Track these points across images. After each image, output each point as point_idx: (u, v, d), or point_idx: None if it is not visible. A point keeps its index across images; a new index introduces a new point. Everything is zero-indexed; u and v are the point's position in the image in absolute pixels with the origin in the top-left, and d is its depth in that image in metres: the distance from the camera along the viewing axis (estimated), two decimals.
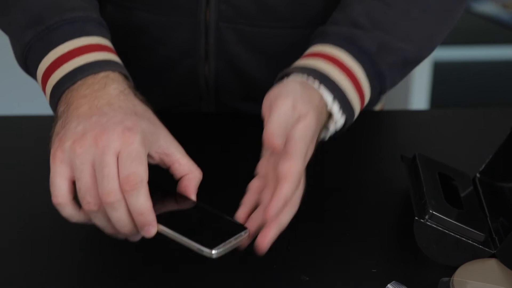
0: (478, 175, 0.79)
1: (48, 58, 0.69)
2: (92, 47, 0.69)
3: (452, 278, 0.66)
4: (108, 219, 0.61)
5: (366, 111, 1.07)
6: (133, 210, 0.60)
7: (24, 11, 0.72)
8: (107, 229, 0.62)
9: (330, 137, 0.76)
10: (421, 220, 0.69)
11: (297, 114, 0.66)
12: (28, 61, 0.71)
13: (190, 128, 0.94)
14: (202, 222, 0.64)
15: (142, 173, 0.59)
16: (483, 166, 0.79)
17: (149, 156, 0.63)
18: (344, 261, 0.72)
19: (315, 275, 0.69)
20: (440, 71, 2.46)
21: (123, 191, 0.59)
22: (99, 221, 0.62)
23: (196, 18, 0.88)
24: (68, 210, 0.62)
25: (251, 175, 0.69)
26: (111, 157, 0.59)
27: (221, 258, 0.71)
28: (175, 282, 0.67)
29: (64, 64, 0.68)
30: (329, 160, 0.90)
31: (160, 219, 0.62)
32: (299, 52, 0.77)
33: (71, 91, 0.66)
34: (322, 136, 0.73)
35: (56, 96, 0.67)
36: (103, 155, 0.59)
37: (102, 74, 0.67)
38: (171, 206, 0.65)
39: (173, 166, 0.65)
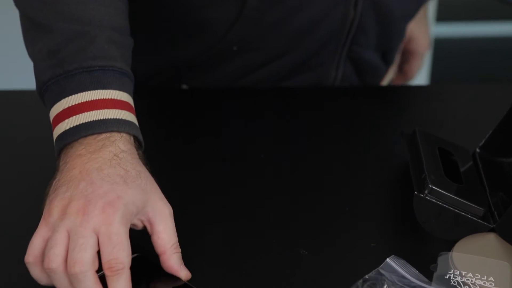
0: (478, 150, 0.79)
1: (60, 104, 0.68)
2: (104, 102, 0.68)
3: (451, 252, 0.66)
4: (69, 286, 0.61)
5: (366, 86, 1.07)
6: None
7: (49, 49, 0.70)
8: None
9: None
10: (421, 195, 0.70)
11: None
12: (44, 98, 0.71)
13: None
14: None
15: (124, 259, 0.60)
16: (483, 141, 0.79)
17: (133, 224, 0.64)
18: (344, 235, 0.72)
19: (314, 250, 0.69)
20: (440, 47, 2.45)
21: (105, 274, 0.60)
22: (60, 285, 0.61)
23: None
24: (36, 271, 0.62)
25: None
26: (88, 231, 0.60)
27: (219, 232, 0.72)
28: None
29: (72, 116, 0.67)
30: (330, 136, 0.90)
31: None
32: None
33: (71, 147, 0.66)
34: None
35: (58, 146, 0.67)
36: (80, 227, 0.60)
37: (104, 135, 0.66)
38: (156, 285, 0.65)
39: (152, 237, 0.65)
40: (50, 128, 0.69)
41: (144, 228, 0.65)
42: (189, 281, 0.64)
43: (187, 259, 0.65)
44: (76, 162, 0.65)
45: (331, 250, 0.70)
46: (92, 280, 0.59)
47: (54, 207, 0.62)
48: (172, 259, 0.64)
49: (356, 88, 1.07)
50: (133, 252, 0.61)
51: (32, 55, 0.73)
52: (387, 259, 0.67)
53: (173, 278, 0.64)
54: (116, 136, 0.67)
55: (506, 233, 0.68)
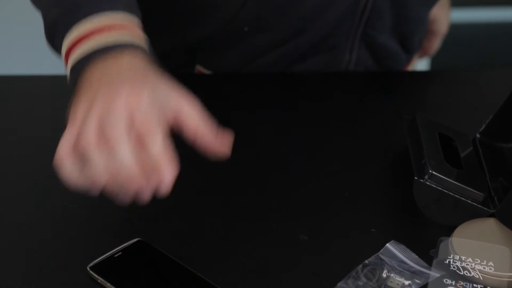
0: (478, 135, 0.79)
1: (71, 33, 0.69)
2: (114, 26, 0.69)
3: (451, 237, 0.66)
4: (109, 165, 0.59)
5: (366, 72, 1.07)
6: (151, 155, 0.58)
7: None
8: (107, 178, 0.59)
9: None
10: (421, 180, 0.70)
11: None
12: (54, 40, 0.72)
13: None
14: None
15: (155, 120, 0.59)
16: (483, 126, 0.79)
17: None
18: (343, 220, 0.72)
19: (314, 235, 0.69)
20: None
21: (139, 140, 0.58)
22: (98, 163, 0.59)
23: None
24: (68, 163, 0.60)
25: None
26: (119, 108, 0.59)
27: (220, 219, 0.72)
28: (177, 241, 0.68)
29: (84, 41, 0.68)
30: (330, 121, 0.90)
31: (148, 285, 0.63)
32: None
33: (86, 70, 0.67)
34: None
35: (74, 76, 0.68)
36: (110, 108, 0.60)
37: (119, 50, 0.67)
38: (162, 273, 0.65)
39: (182, 124, 0.63)
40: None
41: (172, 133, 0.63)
42: (188, 265, 0.64)
43: (186, 244, 0.65)
44: (94, 72, 0.65)
45: (331, 236, 0.70)
46: (129, 147, 0.58)
47: (79, 108, 0.62)
48: (207, 136, 0.63)
49: (356, 74, 1.07)
50: (134, 237, 0.61)
51: (40, 8, 0.75)
52: (387, 244, 0.67)
53: (174, 262, 0.65)
54: (128, 50, 0.67)
55: (506, 218, 0.68)
